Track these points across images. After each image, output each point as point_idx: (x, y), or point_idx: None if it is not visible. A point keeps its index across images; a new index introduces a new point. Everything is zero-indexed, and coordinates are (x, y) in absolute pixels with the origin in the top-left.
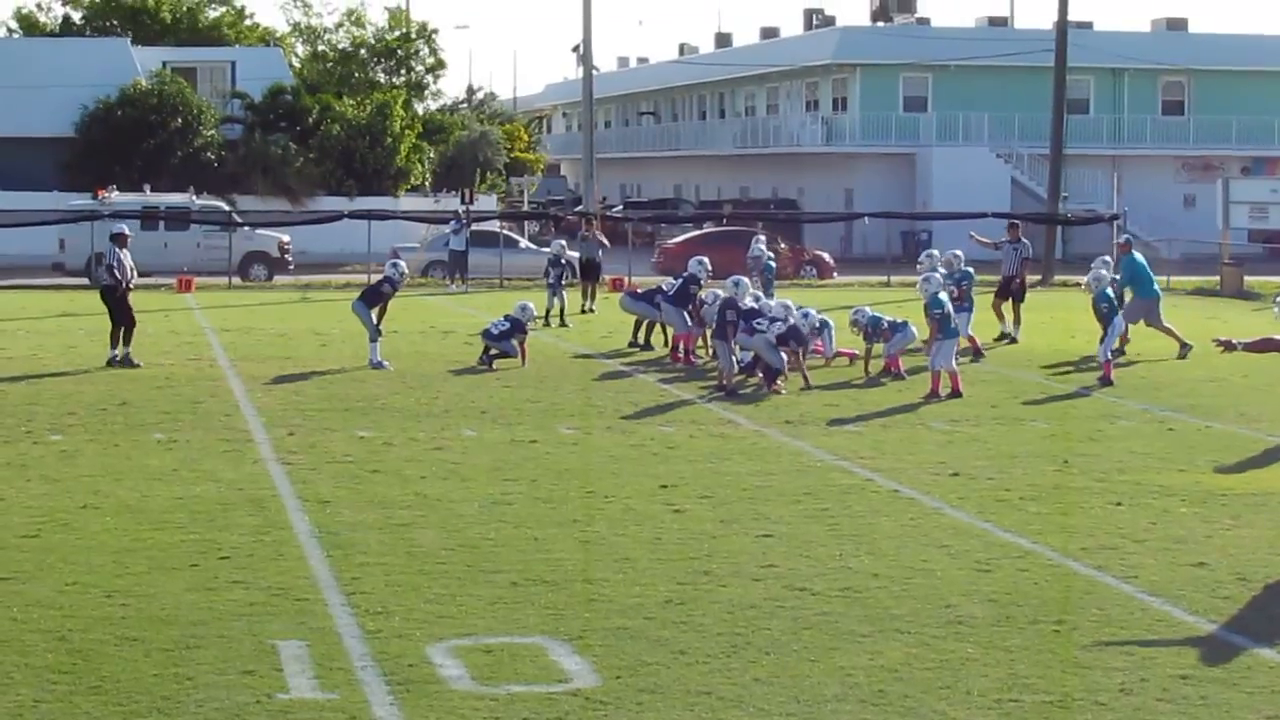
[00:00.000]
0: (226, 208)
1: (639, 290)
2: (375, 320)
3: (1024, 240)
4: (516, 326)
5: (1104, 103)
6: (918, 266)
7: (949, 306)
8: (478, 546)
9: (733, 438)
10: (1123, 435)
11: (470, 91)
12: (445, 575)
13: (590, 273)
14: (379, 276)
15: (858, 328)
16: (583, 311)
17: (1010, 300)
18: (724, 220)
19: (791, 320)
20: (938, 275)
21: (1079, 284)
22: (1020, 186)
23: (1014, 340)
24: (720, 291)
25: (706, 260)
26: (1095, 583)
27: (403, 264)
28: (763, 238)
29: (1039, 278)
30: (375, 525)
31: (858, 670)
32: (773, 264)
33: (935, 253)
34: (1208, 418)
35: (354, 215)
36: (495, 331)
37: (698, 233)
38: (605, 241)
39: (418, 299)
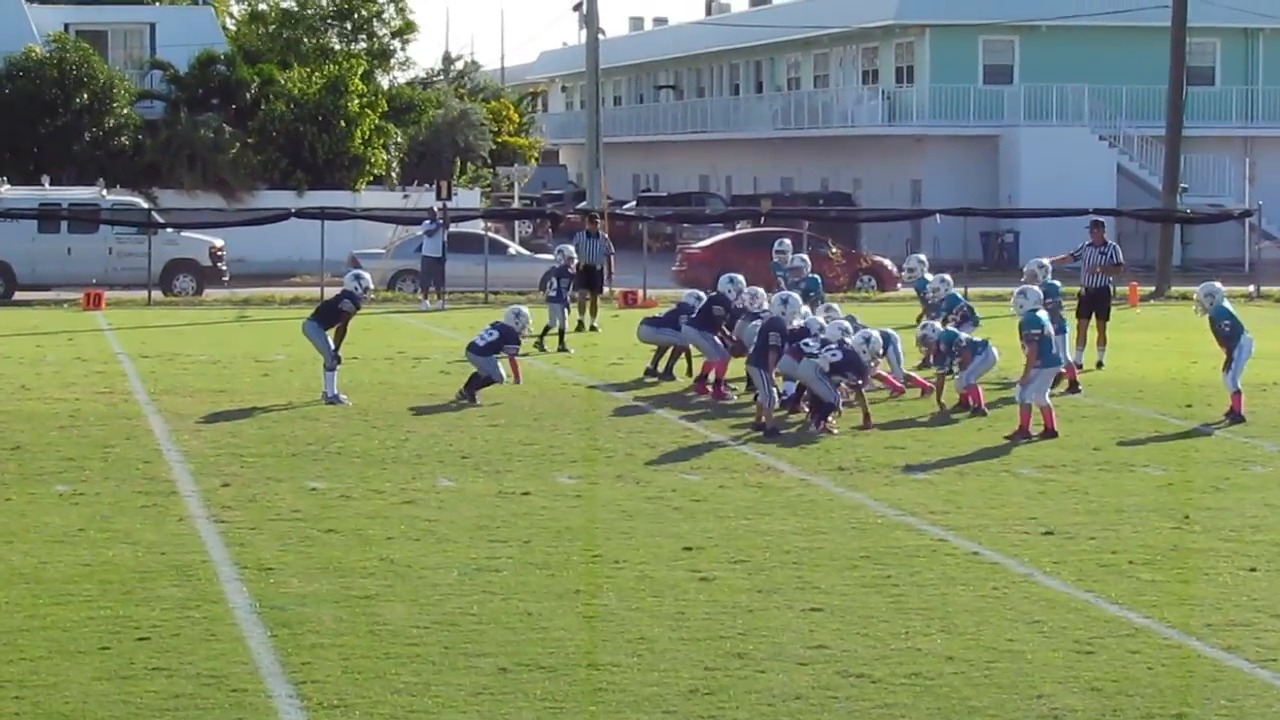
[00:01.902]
0: (145, 205)
1: (658, 315)
2: (333, 345)
3: (1111, 243)
4: (506, 336)
5: (1234, 71)
6: (905, 274)
7: (1049, 328)
8: (457, 624)
9: (773, 488)
10: (1257, 484)
11: (447, 61)
12: (417, 659)
13: (593, 282)
14: (336, 291)
15: (927, 345)
16: (581, 330)
17: (1095, 318)
18: (761, 219)
19: (848, 344)
20: (1036, 289)
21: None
22: (1129, 176)
23: (1099, 365)
24: (763, 304)
25: (741, 279)
26: (1223, 667)
27: (367, 276)
28: (788, 241)
29: (1152, 289)
30: (330, 597)
31: None
32: (817, 278)
33: (923, 257)
34: None
35: (303, 214)
36: (481, 344)
37: (729, 235)
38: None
39: (383, 317)
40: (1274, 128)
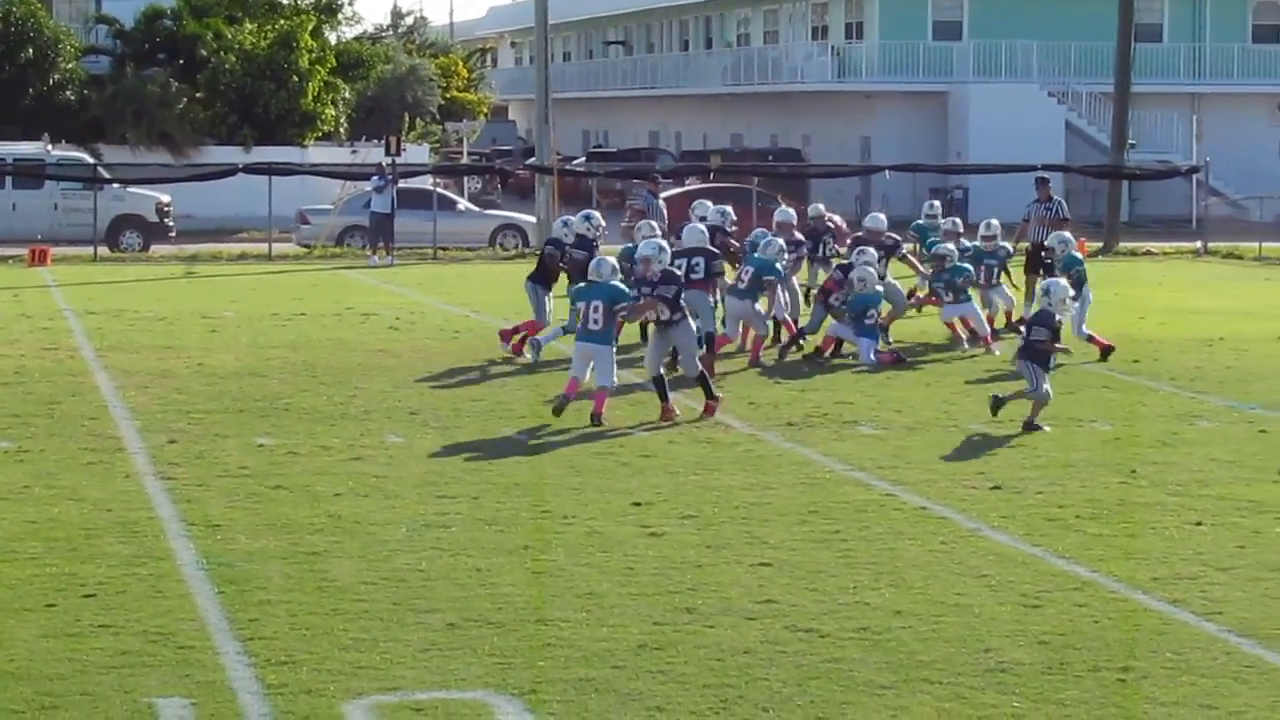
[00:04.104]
0: (90, 160)
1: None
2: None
3: (1056, 199)
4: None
5: (1181, 28)
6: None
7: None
8: (406, 580)
9: (722, 444)
10: (1204, 439)
11: (396, 16)
12: (365, 615)
13: None
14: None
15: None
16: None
17: (1042, 275)
18: (710, 175)
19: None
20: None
21: (1148, 252)
22: (1077, 132)
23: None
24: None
25: (730, 210)
26: (1169, 620)
27: (575, 220)
28: (792, 211)
29: (1100, 245)
30: (278, 554)
31: None
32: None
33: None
34: None
35: (251, 170)
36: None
37: (679, 190)
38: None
39: (331, 273)
40: (1221, 84)
